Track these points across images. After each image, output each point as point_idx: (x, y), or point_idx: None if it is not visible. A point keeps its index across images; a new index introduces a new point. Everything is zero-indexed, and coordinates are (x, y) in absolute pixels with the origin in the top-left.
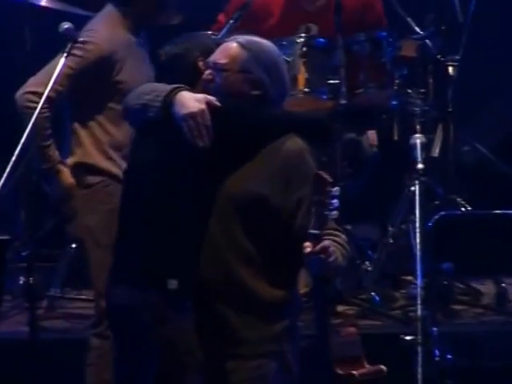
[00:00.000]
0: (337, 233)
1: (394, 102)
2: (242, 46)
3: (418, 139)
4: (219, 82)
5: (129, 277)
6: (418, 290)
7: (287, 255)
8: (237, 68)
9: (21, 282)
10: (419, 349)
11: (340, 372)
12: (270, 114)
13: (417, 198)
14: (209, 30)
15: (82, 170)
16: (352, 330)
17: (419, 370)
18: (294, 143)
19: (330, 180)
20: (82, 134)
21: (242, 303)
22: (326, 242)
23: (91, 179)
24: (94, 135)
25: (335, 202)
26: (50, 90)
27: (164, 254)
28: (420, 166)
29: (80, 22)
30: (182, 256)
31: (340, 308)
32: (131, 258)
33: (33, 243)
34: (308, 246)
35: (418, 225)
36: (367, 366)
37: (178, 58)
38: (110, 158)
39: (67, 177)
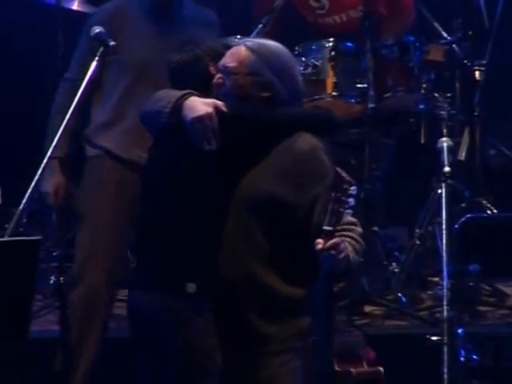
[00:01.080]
0: (352, 227)
1: (422, 106)
2: (250, 49)
3: (444, 143)
4: (229, 86)
5: (148, 281)
6: (445, 291)
7: (305, 252)
8: (245, 71)
9: (52, 281)
10: (445, 349)
11: (337, 369)
12: (276, 114)
13: (443, 200)
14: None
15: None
16: (357, 332)
17: (445, 370)
18: (306, 141)
19: (349, 179)
20: (94, 106)
21: (263, 302)
22: (337, 239)
23: (89, 151)
24: (102, 104)
25: (351, 200)
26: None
27: (181, 257)
28: (447, 169)
29: None
30: (199, 259)
31: (367, 309)
32: (150, 262)
33: (64, 243)
34: (319, 243)
35: (444, 227)
36: (366, 366)
37: (189, 66)
38: (109, 129)
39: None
